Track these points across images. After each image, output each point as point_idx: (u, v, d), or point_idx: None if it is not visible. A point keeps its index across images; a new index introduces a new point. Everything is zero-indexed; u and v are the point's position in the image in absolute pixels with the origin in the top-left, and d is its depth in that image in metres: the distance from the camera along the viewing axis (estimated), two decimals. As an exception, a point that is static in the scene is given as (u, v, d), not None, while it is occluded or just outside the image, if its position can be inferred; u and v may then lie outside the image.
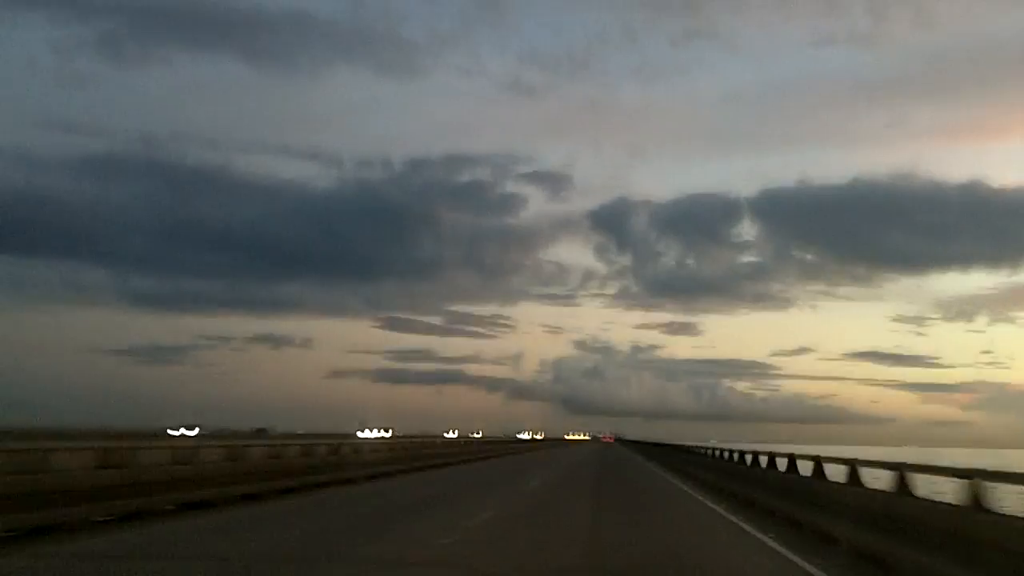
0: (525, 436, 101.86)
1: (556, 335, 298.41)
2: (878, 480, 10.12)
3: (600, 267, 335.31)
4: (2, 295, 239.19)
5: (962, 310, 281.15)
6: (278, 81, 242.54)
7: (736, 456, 20.73)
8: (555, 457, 53.29)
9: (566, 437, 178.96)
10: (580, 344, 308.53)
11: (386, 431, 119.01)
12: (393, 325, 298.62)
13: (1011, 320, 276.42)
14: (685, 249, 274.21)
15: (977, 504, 7.27)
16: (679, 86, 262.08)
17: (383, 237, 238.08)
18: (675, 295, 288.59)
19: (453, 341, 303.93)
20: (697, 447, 32.75)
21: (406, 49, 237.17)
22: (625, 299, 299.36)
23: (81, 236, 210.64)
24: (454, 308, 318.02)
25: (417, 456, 31.47)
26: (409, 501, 16.42)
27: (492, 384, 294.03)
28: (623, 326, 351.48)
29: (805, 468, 13.65)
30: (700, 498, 18.84)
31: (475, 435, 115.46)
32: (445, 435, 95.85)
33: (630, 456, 60.75)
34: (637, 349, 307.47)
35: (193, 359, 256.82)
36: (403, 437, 79.96)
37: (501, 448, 60.58)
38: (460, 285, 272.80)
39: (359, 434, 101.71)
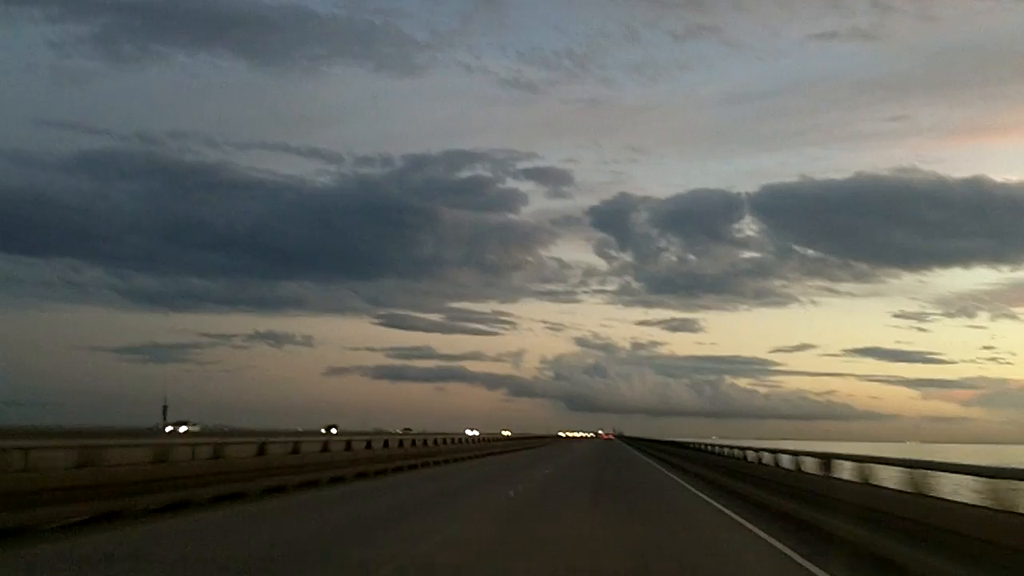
0: (473, 432, 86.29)
1: (557, 332, 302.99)
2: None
3: (601, 264, 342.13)
4: (2, 294, 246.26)
5: (964, 306, 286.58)
6: (277, 78, 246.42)
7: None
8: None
9: (560, 435, 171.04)
10: (581, 341, 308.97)
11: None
12: (393, 322, 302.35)
13: (1013, 316, 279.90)
14: (686, 246, 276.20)
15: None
16: (680, 83, 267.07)
17: (383, 234, 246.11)
18: (676, 292, 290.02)
19: (454, 338, 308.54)
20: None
21: (406, 46, 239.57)
22: (626, 296, 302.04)
23: (80, 234, 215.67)
24: (455, 305, 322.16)
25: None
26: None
27: (493, 382, 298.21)
28: (624, 323, 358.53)
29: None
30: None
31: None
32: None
33: (647, 468, 39.10)
34: (638, 346, 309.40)
35: (194, 357, 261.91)
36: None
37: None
38: (461, 282, 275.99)
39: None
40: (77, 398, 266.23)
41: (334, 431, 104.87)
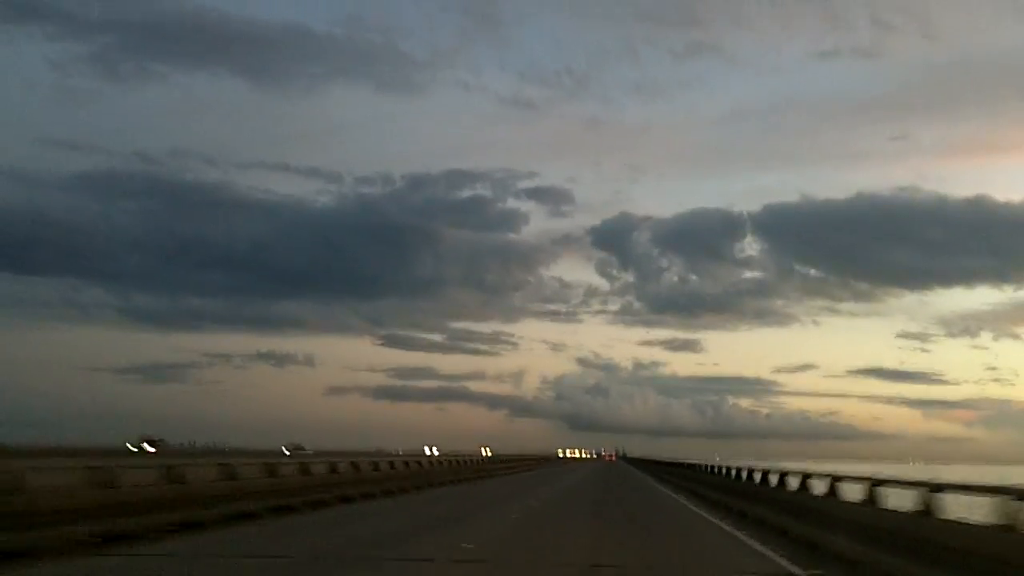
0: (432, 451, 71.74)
1: (558, 352, 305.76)
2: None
3: (602, 284, 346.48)
4: (2, 313, 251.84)
5: (966, 326, 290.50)
6: (277, 97, 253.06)
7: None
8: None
9: (560, 455, 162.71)
10: (582, 361, 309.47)
11: None
12: (394, 342, 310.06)
13: (1015, 336, 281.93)
14: (687, 265, 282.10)
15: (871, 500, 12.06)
16: (680, 102, 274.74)
17: (384, 254, 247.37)
18: (677, 312, 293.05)
19: (455, 358, 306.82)
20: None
21: (405, 65, 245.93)
22: (627, 316, 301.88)
23: (80, 254, 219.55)
24: (456, 325, 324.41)
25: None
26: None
27: (494, 401, 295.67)
28: (625, 343, 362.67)
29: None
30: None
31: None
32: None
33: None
34: (639, 366, 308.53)
35: (195, 377, 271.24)
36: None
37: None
38: (461, 302, 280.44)
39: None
40: (77, 418, 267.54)
41: (148, 447, 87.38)
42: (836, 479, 14.27)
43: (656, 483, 43.46)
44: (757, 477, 21.20)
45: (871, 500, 11.90)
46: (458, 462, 44.63)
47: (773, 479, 19.11)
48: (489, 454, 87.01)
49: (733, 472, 25.09)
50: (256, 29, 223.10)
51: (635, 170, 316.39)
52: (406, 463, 31.77)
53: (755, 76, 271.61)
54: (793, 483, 17.25)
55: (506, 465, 65.88)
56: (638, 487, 39.69)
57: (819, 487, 15.22)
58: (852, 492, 13.15)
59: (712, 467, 32.00)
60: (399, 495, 26.58)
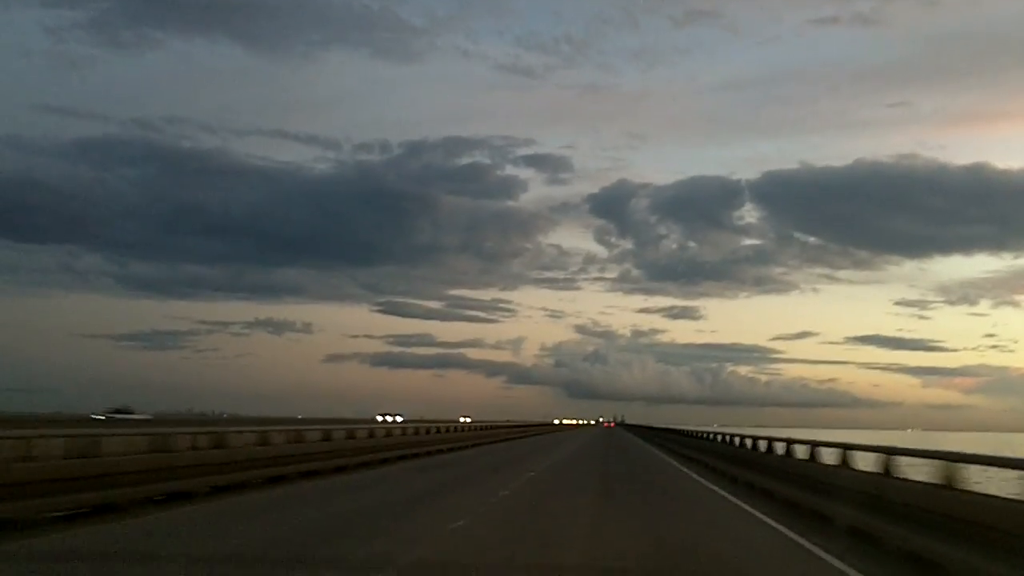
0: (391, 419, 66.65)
1: (557, 320, 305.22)
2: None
3: (601, 251, 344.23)
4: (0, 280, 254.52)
5: (965, 294, 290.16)
6: (275, 64, 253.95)
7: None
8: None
9: (555, 422, 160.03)
10: (581, 329, 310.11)
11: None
12: (392, 309, 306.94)
13: (1014, 304, 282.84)
14: (686, 233, 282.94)
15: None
16: (680, 69, 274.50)
17: (382, 221, 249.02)
18: (676, 279, 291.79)
19: (453, 326, 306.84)
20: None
21: (404, 32, 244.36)
22: (626, 283, 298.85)
23: (78, 221, 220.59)
24: (454, 292, 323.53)
25: None
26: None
27: (492, 369, 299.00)
28: (624, 310, 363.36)
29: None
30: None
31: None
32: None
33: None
34: (638, 333, 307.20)
35: (192, 344, 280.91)
36: None
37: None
38: (460, 269, 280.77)
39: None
40: (75, 386, 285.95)
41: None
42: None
43: (669, 457, 38.09)
44: (762, 445, 21.15)
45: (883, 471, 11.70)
46: (416, 431, 38.86)
47: (777, 446, 19.58)
48: (467, 421, 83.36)
49: (736, 440, 25.46)
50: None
51: (634, 138, 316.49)
52: (326, 436, 25.18)
53: (755, 43, 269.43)
54: (779, 448, 18.56)
55: (485, 434, 59.05)
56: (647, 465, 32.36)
57: (802, 453, 16.44)
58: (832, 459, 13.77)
59: (712, 434, 32.94)
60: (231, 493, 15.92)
